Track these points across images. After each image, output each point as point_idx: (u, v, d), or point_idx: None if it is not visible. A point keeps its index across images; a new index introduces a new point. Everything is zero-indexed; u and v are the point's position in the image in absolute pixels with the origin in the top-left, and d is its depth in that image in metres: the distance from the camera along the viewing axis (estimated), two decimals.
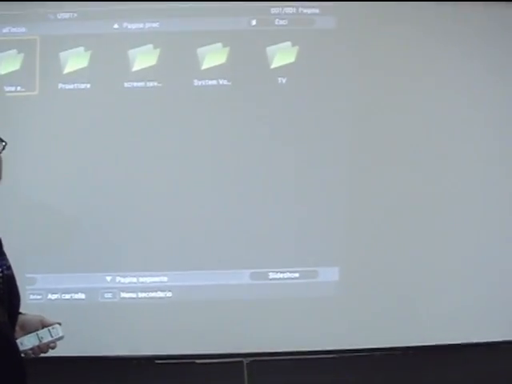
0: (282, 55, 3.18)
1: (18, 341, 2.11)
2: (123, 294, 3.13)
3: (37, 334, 2.14)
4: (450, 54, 3.21)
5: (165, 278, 3.13)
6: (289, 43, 3.19)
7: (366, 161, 3.18)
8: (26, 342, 2.11)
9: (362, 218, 3.17)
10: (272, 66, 3.18)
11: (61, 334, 2.18)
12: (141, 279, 3.13)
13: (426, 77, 3.21)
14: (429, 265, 3.17)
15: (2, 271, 2.07)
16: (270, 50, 3.18)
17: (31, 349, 2.12)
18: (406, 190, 3.19)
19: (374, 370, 3.17)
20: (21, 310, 2.17)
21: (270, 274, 3.15)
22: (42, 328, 2.18)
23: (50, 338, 2.15)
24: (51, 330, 2.17)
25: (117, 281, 3.13)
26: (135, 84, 3.16)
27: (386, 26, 3.22)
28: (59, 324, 2.21)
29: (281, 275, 3.15)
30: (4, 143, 2.04)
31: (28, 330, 2.17)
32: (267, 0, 3.19)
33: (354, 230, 3.17)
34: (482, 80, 3.24)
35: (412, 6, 3.19)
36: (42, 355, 2.15)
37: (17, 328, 2.15)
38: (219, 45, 3.17)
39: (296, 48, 3.19)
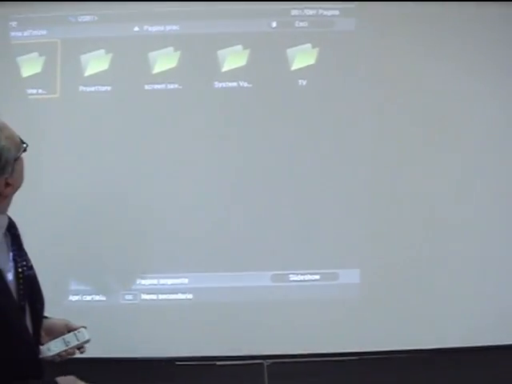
0: (302, 57, 3.18)
1: (45, 346, 2.13)
2: (144, 296, 3.14)
3: (63, 339, 2.16)
4: (471, 55, 3.19)
5: (185, 280, 3.13)
6: (309, 45, 3.18)
7: (387, 163, 3.17)
8: (53, 348, 2.12)
9: (382, 220, 3.16)
10: (292, 68, 3.18)
11: (87, 338, 2.19)
12: (161, 281, 3.13)
13: (448, 78, 3.19)
14: (451, 268, 3.15)
15: (22, 272, 2.08)
16: (290, 51, 3.18)
17: (58, 354, 2.13)
18: (429, 192, 3.17)
19: (395, 372, 3.16)
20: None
21: (290, 275, 3.14)
22: (68, 332, 2.20)
23: (77, 342, 2.17)
24: (77, 334, 2.18)
25: (137, 282, 3.14)
26: (156, 86, 3.17)
27: (405, 27, 3.20)
28: (84, 328, 2.22)
29: (301, 277, 3.14)
30: (25, 145, 2.06)
31: (54, 334, 2.18)
32: (287, 0, 3.19)
33: (374, 232, 3.15)
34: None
35: (433, 6, 3.18)
36: None
37: (42, 333, 2.16)
38: (239, 47, 3.18)
39: (316, 50, 3.18)
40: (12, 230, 2.11)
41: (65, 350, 2.15)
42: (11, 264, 2.06)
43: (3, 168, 1.96)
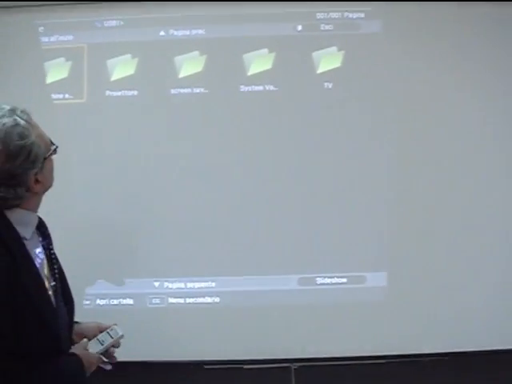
0: (328, 60, 3.17)
1: None
2: (171, 300, 3.15)
3: (97, 339, 2.17)
4: (500, 56, 3.17)
5: (212, 284, 3.14)
6: (334, 48, 3.18)
7: (414, 165, 3.15)
8: (90, 350, 2.13)
9: (410, 223, 3.14)
10: (318, 71, 3.17)
11: (120, 333, 2.21)
12: (188, 285, 3.14)
13: (476, 80, 3.17)
14: (479, 271, 3.13)
15: (53, 268, 2.11)
16: (315, 55, 3.17)
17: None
18: (456, 194, 3.14)
19: (423, 376, 3.15)
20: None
21: (317, 279, 3.14)
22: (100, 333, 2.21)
23: (111, 340, 2.19)
24: (110, 332, 2.20)
25: (165, 286, 3.14)
26: (182, 90, 3.18)
27: (431, 28, 3.18)
28: (115, 325, 2.24)
29: (328, 280, 3.13)
30: (55, 146, 2.08)
31: (87, 337, 2.19)
32: (313, 0, 3.18)
33: (401, 234, 3.14)
34: None
35: (460, 7, 3.16)
36: None
37: (74, 337, 2.18)
38: (265, 50, 3.17)
39: (342, 53, 3.18)
40: (42, 228, 2.14)
41: (105, 352, 2.16)
42: (42, 254, 2.08)
43: (33, 162, 1.99)
